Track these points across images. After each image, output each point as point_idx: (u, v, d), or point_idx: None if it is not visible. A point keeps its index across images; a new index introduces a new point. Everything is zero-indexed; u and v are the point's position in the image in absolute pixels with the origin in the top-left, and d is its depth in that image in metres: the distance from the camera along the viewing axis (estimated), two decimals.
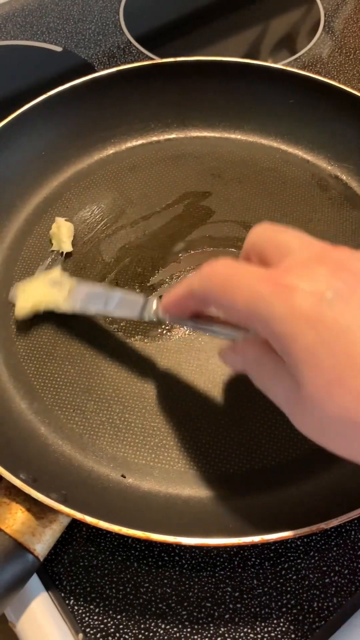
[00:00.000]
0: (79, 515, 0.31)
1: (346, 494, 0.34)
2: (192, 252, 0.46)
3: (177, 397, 0.39)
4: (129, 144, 0.53)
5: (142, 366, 0.40)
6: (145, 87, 0.52)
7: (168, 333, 0.42)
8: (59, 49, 0.62)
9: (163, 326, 0.42)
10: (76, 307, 0.39)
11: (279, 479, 0.36)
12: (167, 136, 0.53)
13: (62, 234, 0.45)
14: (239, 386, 0.40)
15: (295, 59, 0.62)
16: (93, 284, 0.41)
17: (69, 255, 0.45)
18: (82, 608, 0.33)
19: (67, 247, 0.45)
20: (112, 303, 0.38)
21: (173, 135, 0.53)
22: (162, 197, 0.49)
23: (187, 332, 0.42)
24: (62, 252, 0.45)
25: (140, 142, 0.53)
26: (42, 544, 0.32)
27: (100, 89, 0.51)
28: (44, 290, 0.40)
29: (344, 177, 0.51)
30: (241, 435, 0.38)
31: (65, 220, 0.46)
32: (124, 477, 0.37)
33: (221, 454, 0.37)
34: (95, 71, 0.51)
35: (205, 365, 0.41)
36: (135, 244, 0.46)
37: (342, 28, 0.65)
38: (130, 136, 0.53)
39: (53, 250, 0.46)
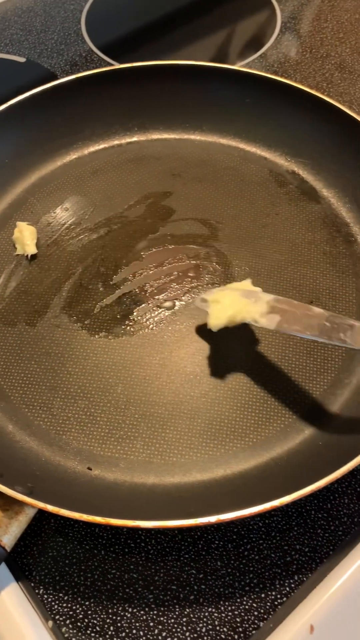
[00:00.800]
0: (41, 505, 0.32)
1: (299, 474, 0.35)
2: (154, 249, 0.47)
3: (140, 391, 0.40)
4: (92, 149, 0.54)
5: (107, 362, 0.42)
6: (105, 93, 0.54)
7: (131, 329, 0.43)
8: (22, 59, 0.63)
9: (127, 322, 0.43)
10: (272, 323, 0.37)
11: (238, 463, 0.38)
12: (128, 139, 0.55)
13: (25, 237, 0.46)
14: (200, 379, 0.41)
15: (253, 60, 0.63)
16: (297, 304, 0.37)
17: (34, 257, 0.46)
18: (51, 596, 0.34)
19: (32, 250, 0.46)
20: (343, 334, 0.35)
21: (134, 139, 0.55)
22: (124, 198, 0.50)
23: (150, 327, 0.43)
24: (27, 255, 0.46)
25: (102, 146, 0.54)
26: (8, 535, 0.33)
27: (60, 96, 0.52)
28: (240, 302, 0.38)
29: (300, 172, 0.52)
30: (201, 424, 0.39)
31: (28, 224, 0.47)
32: (90, 470, 0.38)
33: (184, 442, 0.38)
34: (56, 78, 0.52)
35: (168, 358, 0.42)
36: (98, 244, 0.47)
37: (299, 29, 0.66)
38: (93, 141, 0.54)
39: (18, 254, 0.47)
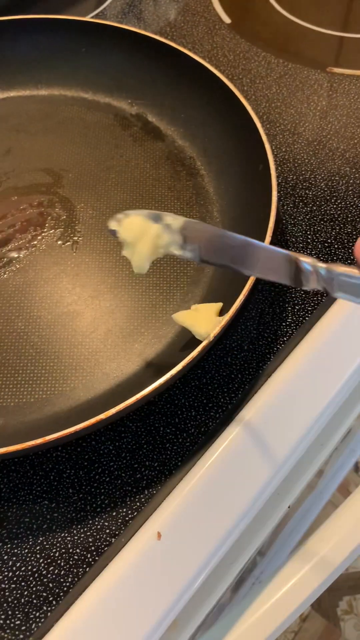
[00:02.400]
0: None
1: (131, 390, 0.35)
2: None
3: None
4: None
5: None
6: None
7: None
8: None
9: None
10: (196, 254, 0.29)
11: (87, 393, 0.38)
12: None
13: None
14: (47, 321, 0.41)
15: (101, 11, 0.63)
16: (212, 227, 0.31)
17: None
18: None
19: None
20: (253, 261, 0.28)
21: None
22: None
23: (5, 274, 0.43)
24: None
25: None
26: None
27: None
28: (152, 232, 0.31)
29: (144, 114, 0.52)
30: (45, 366, 0.39)
31: None
32: None
33: (26, 386, 0.39)
34: None
35: (15, 306, 0.42)
36: None
37: None
38: None
39: None
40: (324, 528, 0.41)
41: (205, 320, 0.37)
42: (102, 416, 0.32)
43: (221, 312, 0.38)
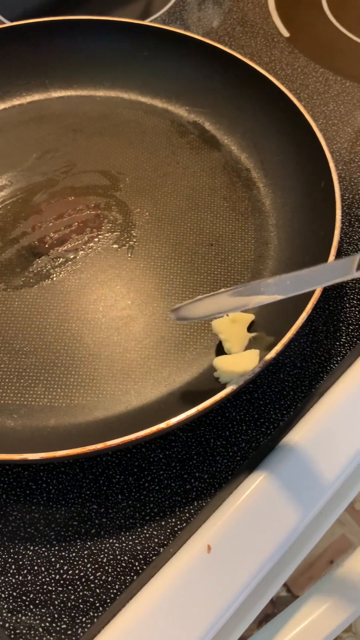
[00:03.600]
0: None
1: (195, 403, 0.35)
2: (53, 202, 0.47)
3: (41, 340, 0.40)
4: None
5: (5, 314, 0.41)
6: (1, 52, 0.53)
7: (31, 280, 0.43)
8: None
9: (26, 274, 0.43)
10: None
11: (139, 399, 0.38)
12: (29, 99, 0.54)
13: None
14: (101, 324, 0.41)
15: (160, 15, 0.63)
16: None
17: None
18: None
19: None
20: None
21: (35, 98, 0.54)
22: (23, 155, 0.50)
23: (51, 278, 0.43)
24: None
25: (2, 107, 0.53)
26: None
27: None
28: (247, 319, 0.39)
29: (201, 122, 0.52)
30: (103, 367, 0.39)
31: None
32: None
33: (85, 385, 0.39)
34: None
35: (69, 307, 0.42)
36: None
37: None
38: None
39: None
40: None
41: (236, 336, 0.38)
42: (163, 425, 0.32)
43: (275, 333, 0.37)
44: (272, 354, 0.34)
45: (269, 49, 0.59)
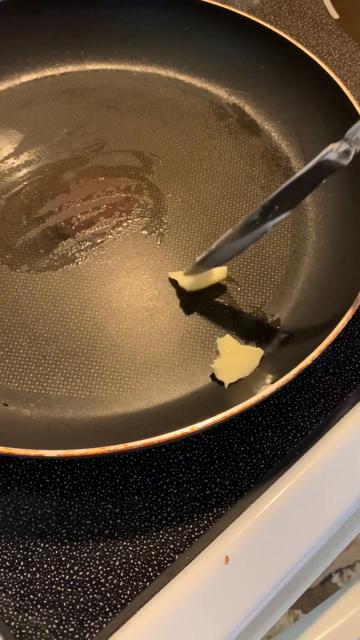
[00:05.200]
0: None
1: (218, 406, 0.34)
2: (82, 181, 0.45)
3: (62, 327, 0.39)
4: (23, 79, 0.51)
5: (27, 297, 0.40)
6: (37, 20, 0.50)
7: (55, 263, 0.41)
8: None
9: (51, 256, 0.41)
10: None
11: (160, 396, 0.36)
12: (62, 70, 0.52)
13: None
14: (126, 314, 0.39)
15: None
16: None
17: None
18: None
19: None
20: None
21: (69, 69, 0.52)
22: (54, 130, 0.48)
23: (75, 262, 0.41)
24: None
25: (34, 77, 0.51)
26: None
27: None
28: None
29: (241, 105, 0.50)
30: (125, 360, 0.38)
31: None
32: (6, 405, 0.36)
33: (106, 377, 0.37)
34: None
35: (93, 293, 0.40)
36: (24, 176, 0.45)
37: None
38: (24, 71, 0.51)
39: None
40: None
41: (229, 369, 0.37)
42: (188, 430, 0.30)
43: (315, 334, 0.35)
44: (307, 360, 0.32)
45: (317, 31, 0.56)
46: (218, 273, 0.40)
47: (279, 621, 0.36)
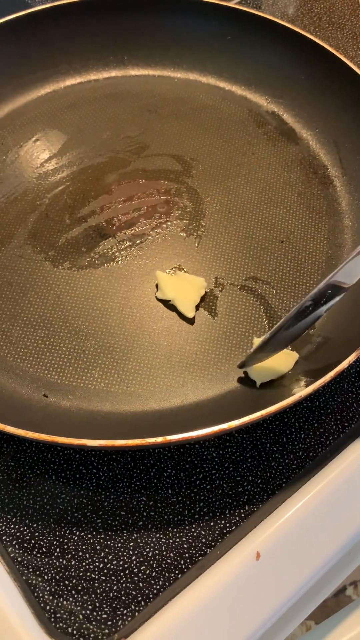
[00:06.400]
0: None
1: (253, 405, 0.34)
2: (124, 183, 0.46)
3: (102, 322, 0.40)
4: (68, 83, 0.53)
5: (69, 293, 0.41)
6: (83, 25, 0.52)
7: (96, 262, 0.42)
8: None
9: (92, 255, 0.42)
10: None
11: (196, 394, 0.37)
12: (106, 75, 0.53)
13: None
14: (163, 313, 0.40)
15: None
16: None
17: None
18: None
19: None
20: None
21: (112, 74, 0.53)
22: (97, 132, 0.49)
23: (115, 261, 0.42)
24: None
25: (78, 80, 0.53)
26: None
27: (35, 25, 0.51)
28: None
29: (280, 113, 0.51)
30: (162, 357, 0.38)
31: None
32: (46, 397, 0.37)
33: (143, 373, 0.38)
34: (30, 7, 0.51)
35: (132, 292, 0.41)
36: (67, 176, 0.46)
37: None
38: (69, 75, 0.53)
39: None
40: None
41: (263, 369, 0.37)
42: (225, 426, 0.31)
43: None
44: (344, 364, 0.33)
45: (356, 43, 0.57)
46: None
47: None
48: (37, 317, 0.40)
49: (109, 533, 0.34)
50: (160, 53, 0.53)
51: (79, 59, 0.53)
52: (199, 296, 0.40)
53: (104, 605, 0.32)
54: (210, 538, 0.34)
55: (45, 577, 0.32)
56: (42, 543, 0.33)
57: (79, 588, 0.32)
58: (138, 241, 0.43)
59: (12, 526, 0.34)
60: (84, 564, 0.33)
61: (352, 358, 0.33)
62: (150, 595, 0.32)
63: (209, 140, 0.49)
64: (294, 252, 0.43)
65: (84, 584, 0.32)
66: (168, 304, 0.40)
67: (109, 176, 0.46)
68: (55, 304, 0.40)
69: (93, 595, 0.32)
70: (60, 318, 0.40)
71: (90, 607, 0.32)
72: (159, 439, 0.31)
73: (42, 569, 0.33)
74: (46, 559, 0.33)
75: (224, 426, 0.31)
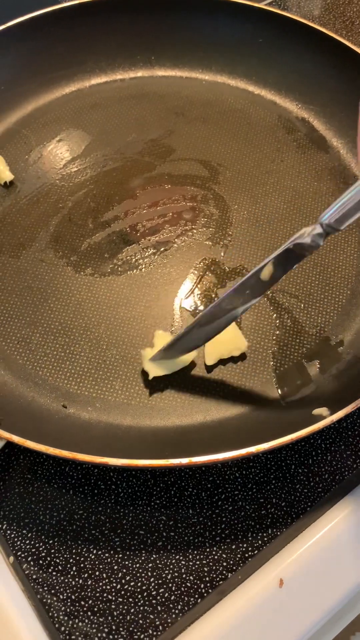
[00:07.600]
0: (6, 435, 0.30)
1: (278, 427, 0.33)
2: (149, 188, 0.45)
3: (124, 332, 0.39)
4: (93, 82, 0.51)
5: (91, 300, 0.40)
6: (110, 23, 0.51)
7: (119, 269, 0.41)
8: None
9: (115, 261, 0.41)
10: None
11: (218, 411, 0.36)
12: (132, 74, 0.52)
13: None
14: (187, 324, 0.39)
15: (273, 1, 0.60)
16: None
17: (14, 187, 0.44)
18: (14, 532, 0.33)
19: (8, 176, 0.44)
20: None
21: (139, 74, 0.52)
22: (122, 134, 0.48)
23: (139, 268, 0.41)
24: (5, 183, 0.44)
25: (104, 79, 0.51)
26: None
27: (63, 22, 0.49)
28: None
29: (311, 120, 0.49)
30: (178, 372, 0.37)
31: None
32: (65, 407, 0.36)
33: (157, 388, 0.37)
34: (57, 3, 0.49)
35: (155, 301, 0.40)
36: (91, 179, 0.45)
37: None
38: (95, 74, 0.52)
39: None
40: None
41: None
42: (253, 450, 0.30)
43: None
44: None
45: None
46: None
47: None
48: (57, 325, 0.39)
49: (127, 553, 0.33)
50: (188, 54, 0.52)
51: (106, 58, 0.51)
52: (229, 354, 0.38)
53: (121, 629, 0.31)
54: (231, 562, 0.33)
55: (61, 597, 0.31)
56: (57, 561, 0.32)
57: (95, 609, 0.31)
58: (162, 249, 0.42)
59: (27, 542, 0.33)
60: (100, 584, 0.32)
61: None
62: (169, 620, 0.31)
63: (236, 146, 0.47)
64: (322, 266, 0.42)
65: (101, 605, 0.31)
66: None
67: (134, 180, 0.45)
68: (77, 311, 0.39)
69: (109, 618, 0.31)
70: (81, 326, 0.39)
71: (106, 629, 0.31)
72: (184, 461, 0.29)
73: (57, 587, 0.32)
74: (62, 578, 0.32)
75: (252, 449, 0.30)
